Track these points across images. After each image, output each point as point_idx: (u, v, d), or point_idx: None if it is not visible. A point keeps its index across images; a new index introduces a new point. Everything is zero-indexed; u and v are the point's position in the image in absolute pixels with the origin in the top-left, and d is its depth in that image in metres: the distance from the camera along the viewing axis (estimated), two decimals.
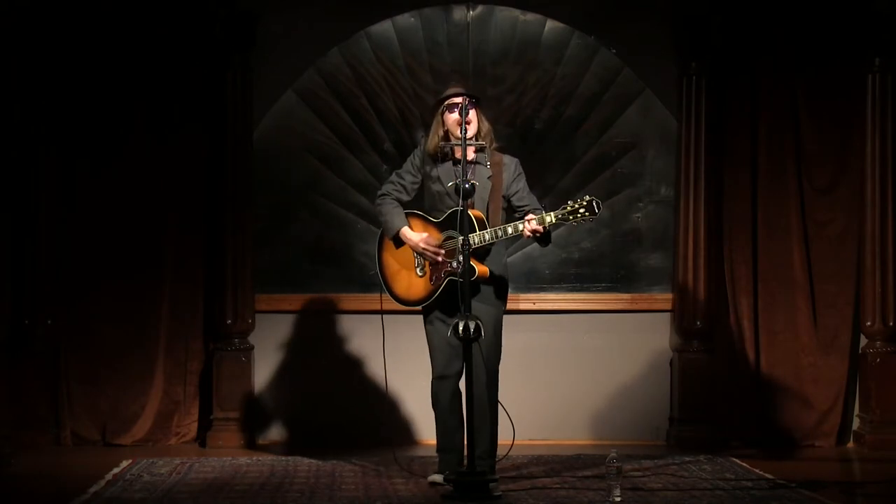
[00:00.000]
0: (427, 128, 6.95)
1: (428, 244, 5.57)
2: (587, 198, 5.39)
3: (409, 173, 5.73)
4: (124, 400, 6.91)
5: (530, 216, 5.46)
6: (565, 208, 5.40)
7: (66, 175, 6.89)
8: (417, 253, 5.62)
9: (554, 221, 5.41)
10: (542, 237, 5.52)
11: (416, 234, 5.61)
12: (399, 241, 5.66)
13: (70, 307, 6.89)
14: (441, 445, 5.67)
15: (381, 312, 5.81)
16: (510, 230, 5.46)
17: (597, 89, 7.20)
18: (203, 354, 7.04)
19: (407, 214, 5.68)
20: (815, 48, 7.05)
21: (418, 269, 5.63)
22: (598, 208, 5.38)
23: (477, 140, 5.58)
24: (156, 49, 6.92)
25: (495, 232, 5.46)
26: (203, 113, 6.99)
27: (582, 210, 5.37)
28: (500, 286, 5.64)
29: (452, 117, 5.58)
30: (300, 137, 7.17)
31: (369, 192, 7.16)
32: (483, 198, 5.59)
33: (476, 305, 5.47)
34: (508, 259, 6.99)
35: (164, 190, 6.94)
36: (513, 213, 5.68)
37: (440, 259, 5.54)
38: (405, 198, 5.72)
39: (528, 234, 5.43)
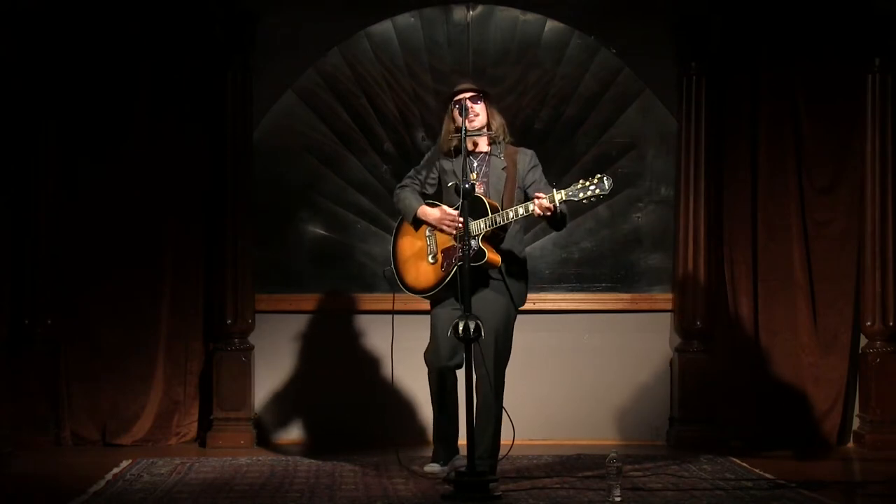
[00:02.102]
0: (427, 127, 6.99)
1: (445, 216, 5.59)
2: (597, 175, 5.38)
3: (425, 168, 5.80)
4: (124, 400, 6.91)
5: (539, 194, 5.45)
6: (575, 185, 5.38)
7: (66, 175, 6.88)
8: (437, 229, 5.63)
9: (564, 199, 5.38)
10: (556, 220, 5.52)
11: (434, 210, 5.65)
12: (418, 224, 5.69)
13: (70, 307, 6.88)
14: (438, 433, 5.74)
15: (392, 312, 5.80)
16: (521, 210, 5.44)
17: (597, 89, 7.20)
18: (203, 354, 7.04)
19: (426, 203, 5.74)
20: (816, 48, 7.05)
21: (430, 257, 5.64)
22: (610, 185, 5.35)
23: (493, 133, 5.63)
24: (156, 49, 6.92)
25: (506, 214, 5.46)
26: (203, 113, 6.99)
27: (592, 187, 5.34)
28: (516, 284, 5.65)
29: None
30: (300, 137, 7.17)
31: (369, 192, 7.17)
32: (498, 189, 5.62)
33: (490, 296, 5.51)
34: None
35: (164, 190, 6.94)
36: None
37: (459, 227, 5.52)
38: (421, 192, 5.78)
39: (539, 213, 5.42)
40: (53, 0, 6.79)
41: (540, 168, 5.72)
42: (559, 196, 5.38)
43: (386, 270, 5.89)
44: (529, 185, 5.67)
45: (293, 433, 7.10)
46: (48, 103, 6.83)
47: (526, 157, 5.71)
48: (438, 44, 7.16)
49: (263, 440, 7.04)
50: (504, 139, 5.71)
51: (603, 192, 5.35)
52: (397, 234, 5.81)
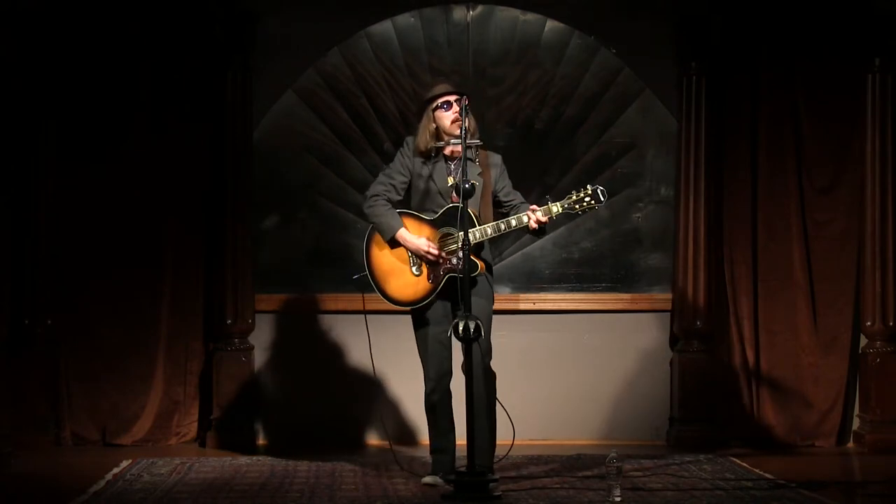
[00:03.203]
0: None
1: (431, 247, 5.52)
2: (591, 187, 5.40)
3: (398, 173, 5.66)
4: (124, 400, 6.91)
5: (534, 207, 5.46)
6: (570, 198, 5.41)
7: (66, 175, 6.88)
8: (418, 256, 5.56)
9: (560, 212, 5.42)
10: (539, 230, 5.52)
11: (415, 238, 5.54)
12: (395, 243, 5.59)
13: (70, 307, 6.88)
14: (435, 447, 5.68)
15: (364, 312, 5.80)
16: (514, 223, 5.45)
17: (597, 89, 7.20)
18: (203, 354, 7.04)
19: (399, 214, 5.63)
20: (816, 48, 7.05)
21: (414, 268, 5.57)
22: (604, 196, 5.41)
23: (470, 138, 5.57)
24: (156, 49, 6.92)
25: (498, 225, 5.45)
26: (203, 113, 6.98)
27: (588, 199, 5.38)
28: (490, 282, 5.65)
29: (446, 115, 5.57)
30: (300, 137, 7.17)
31: None
32: (477, 194, 5.58)
33: (477, 301, 5.47)
34: (507, 259, 7.04)
35: (165, 190, 6.94)
36: (499, 208, 5.68)
37: (442, 261, 5.52)
38: (396, 197, 5.67)
39: (535, 226, 5.43)
40: (53, 0, 6.79)
41: (506, 171, 5.71)
42: (556, 209, 5.42)
43: (359, 276, 5.68)
44: (501, 190, 5.66)
45: (293, 433, 7.08)
46: (48, 103, 6.83)
47: (497, 162, 5.69)
48: (438, 44, 7.16)
49: (263, 440, 7.04)
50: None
51: (599, 205, 5.41)
52: (370, 243, 5.64)
